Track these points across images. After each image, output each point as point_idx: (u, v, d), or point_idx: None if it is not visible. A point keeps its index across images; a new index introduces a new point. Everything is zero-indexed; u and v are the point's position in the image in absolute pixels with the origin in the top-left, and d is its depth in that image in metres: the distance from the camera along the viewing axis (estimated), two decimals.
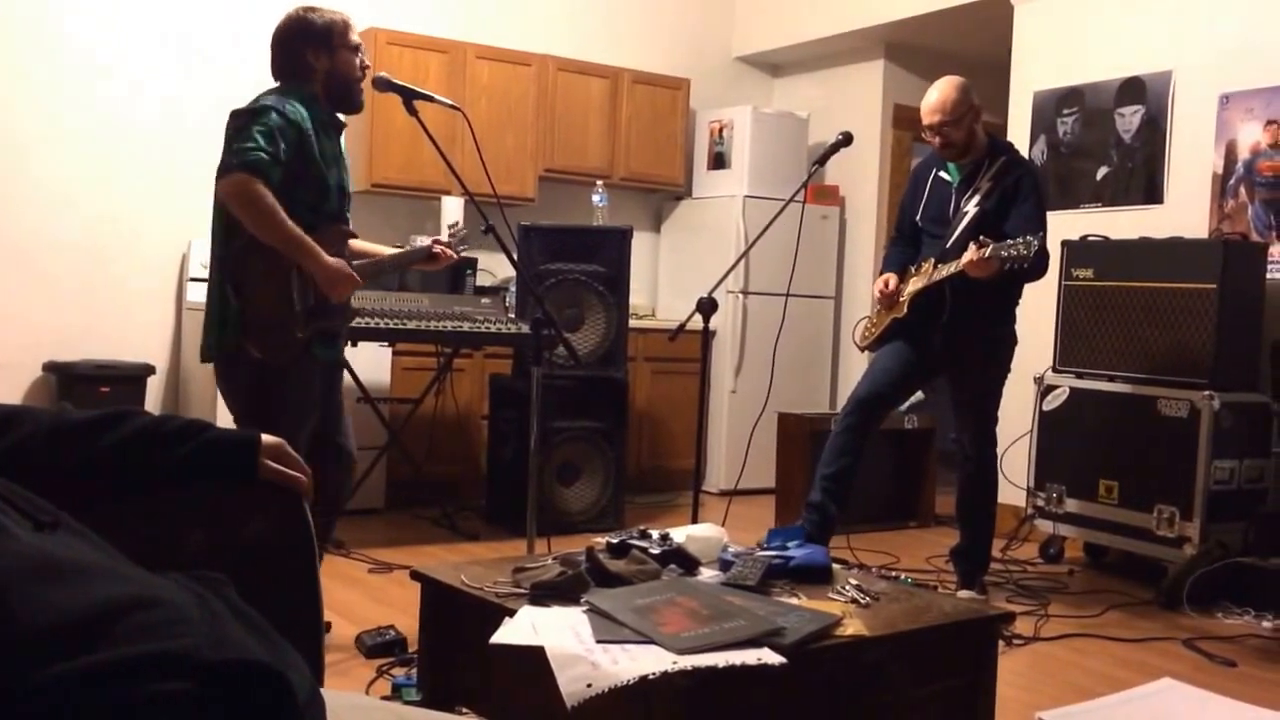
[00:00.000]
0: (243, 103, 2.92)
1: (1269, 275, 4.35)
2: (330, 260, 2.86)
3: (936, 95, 3.84)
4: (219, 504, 1.44)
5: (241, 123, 2.80)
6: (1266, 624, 3.80)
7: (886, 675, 2.09)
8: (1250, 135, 4.52)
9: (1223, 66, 4.61)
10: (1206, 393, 4.09)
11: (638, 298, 6.16)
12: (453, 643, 2.27)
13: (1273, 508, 4.05)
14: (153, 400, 5.09)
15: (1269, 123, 4.46)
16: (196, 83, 5.23)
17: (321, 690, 1.18)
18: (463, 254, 3.33)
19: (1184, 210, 4.71)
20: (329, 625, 3.16)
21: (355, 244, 3.20)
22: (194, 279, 5.03)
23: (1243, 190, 4.55)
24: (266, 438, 1.46)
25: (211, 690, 0.94)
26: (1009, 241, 3.54)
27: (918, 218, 4.02)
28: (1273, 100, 4.44)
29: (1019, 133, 5.31)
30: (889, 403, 4.10)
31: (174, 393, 5.26)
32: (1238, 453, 4.14)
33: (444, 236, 3.35)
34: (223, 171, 2.77)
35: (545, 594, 2.09)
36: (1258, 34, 4.50)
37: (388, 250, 3.30)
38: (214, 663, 0.95)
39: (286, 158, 2.78)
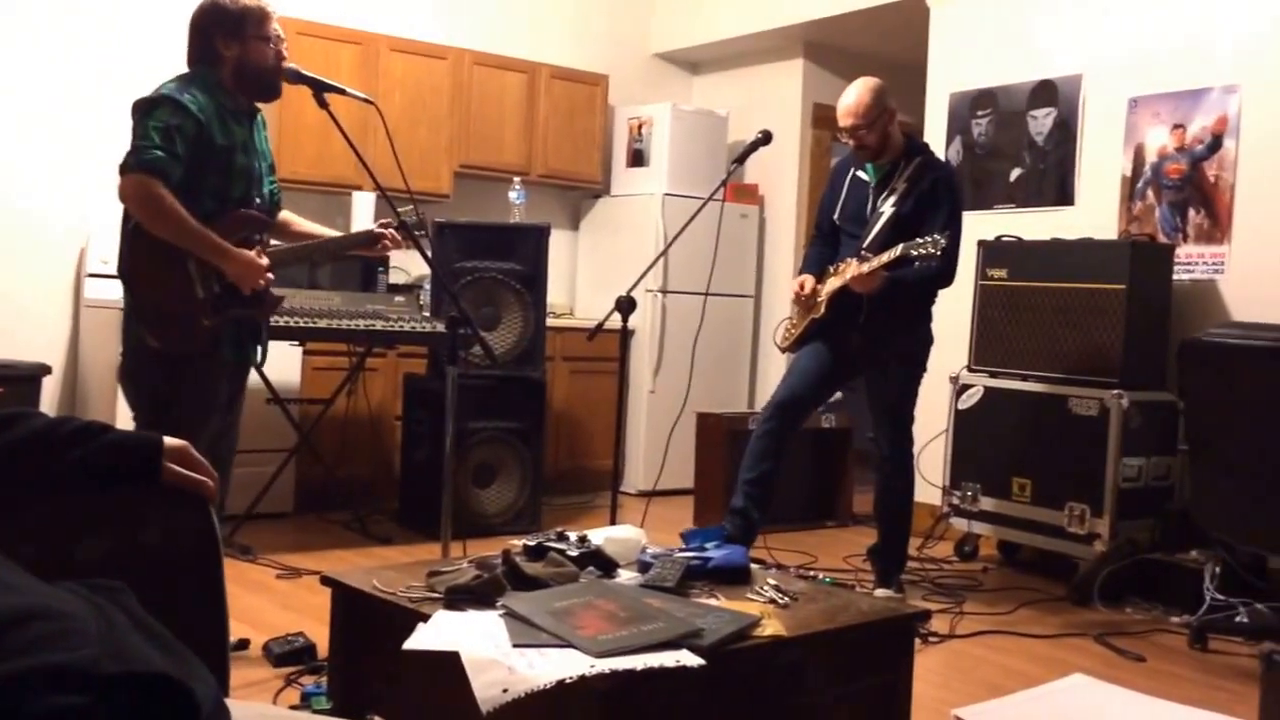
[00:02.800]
0: (147, 90, 2.82)
1: (1175, 276, 4.47)
2: (238, 252, 2.78)
3: (851, 98, 3.87)
4: (119, 509, 1.40)
5: (139, 118, 2.74)
6: (1174, 619, 3.90)
7: (805, 675, 2.08)
8: (1158, 138, 4.64)
9: (1131, 71, 4.73)
10: (1116, 391, 4.18)
11: (556, 296, 6.11)
12: (364, 649, 2.21)
13: (1179, 504, 4.16)
14: (48, 402, 4.87)
15: (1175, 126, 4.58)
16: (97, 70, 5.03)
17: (227, 701, 1.14)
18: (420, 238, 3.16)
19: (1094, 211, 4.81)
20: (246, 642, 3.06)
21: (296, 225, 3.12)
22: (92, 275, 4.84)
23: (1150, 192, 4.67)
24: (170, 440, 1.42)
25: (111, 704, 0.90)
26: (918, 240, 3.58)
27: (836, 217, 4.05)
28: (1179, 104, 4.57)
29: (935, 133, 5.38)
30: (809, 405, 4.12)
31: (71, 394, 5.05)
32: (1145, 450, 4.24)
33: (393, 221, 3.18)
34: (122, 171, 2.71)
35: (460, 598, 2.05)
36: (1165, 39, 4.63)
37: (329, 232, 3.20)
38: (113, 675, 0.92)
39: (185, 152, 2.71)
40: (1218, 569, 3.87)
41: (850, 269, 3.78)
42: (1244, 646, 3.59)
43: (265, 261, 2.84)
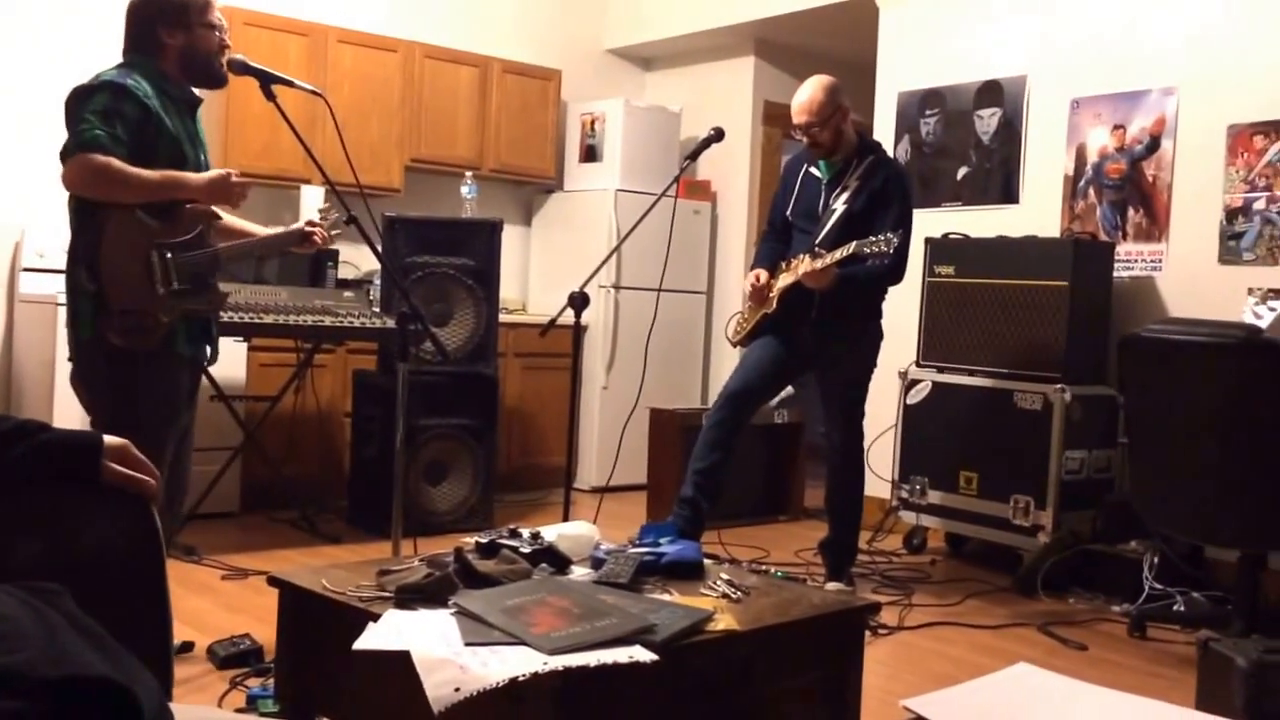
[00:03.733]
0: (83, 79, 2.76)
1: (1115, 273, 4.55)
2: (201, 176, 2.77)
3: (805, 96, 3.89)
4: (57, 509, 1.36)
5: (76, 105, 2.68)
6: (1115, 608, 3.98)
7: (757, 668, 2.09)
8: (1099, 139, 4.72)
9: (1074, 72, 4.81)
10: (1059, 386, 4.25)
11: (508, 292, 6.09)
12: (313, 651, 2.19)
13: (1119, 496, 4.24)
14: None
15: (1116, 127, 4.67)
16: (30, 59, 4.92)
17: (171, 705, 1.13)
18: (335, 237, 3.21)
19: (1038, 210, 4.89)
20: (190, 644, 3.02)
21: (227, 222, 3.07)
22: (27, 269, 4.73)
23: (1092, 191, 4.75)
24: (110, 438, 1.39)
25: (50, 708, 0.88)
26: (871, 239, 3.62)
27: (789, 213, 4.08)
28: (1119, 105, 4.65)
29: (884, 132, 5.43)
30: (760, 397, 4.14)
31: (5, 392, 4.93)
32: (1087, 443, 4.32)
33: (315, 219, 3.21)
34: (62, 158, 2.65)
35: (411, 597, 2.03)
36: (1106, 42, 4.71)
37: (260, 229, 3.17)
38: (52, 680, 0.90)
39: (126, 135, 2.66)
40: (1156, 559, 3.96)
41: (803, 265, 3.80)
42: (1181, 634, 3.67)
43: (231, 172, 2.83)
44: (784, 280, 3.93)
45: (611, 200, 6.06)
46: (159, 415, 2.73)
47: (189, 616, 3.30)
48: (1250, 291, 4.22)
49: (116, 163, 2.62)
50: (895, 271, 3.84)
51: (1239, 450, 3.32)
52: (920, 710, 2.92)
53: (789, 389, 4.78)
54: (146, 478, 1.39)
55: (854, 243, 3.65)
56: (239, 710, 2.55)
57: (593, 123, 6.32)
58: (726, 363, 6.19)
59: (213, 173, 2.82)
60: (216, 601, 3.61)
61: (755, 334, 4.08)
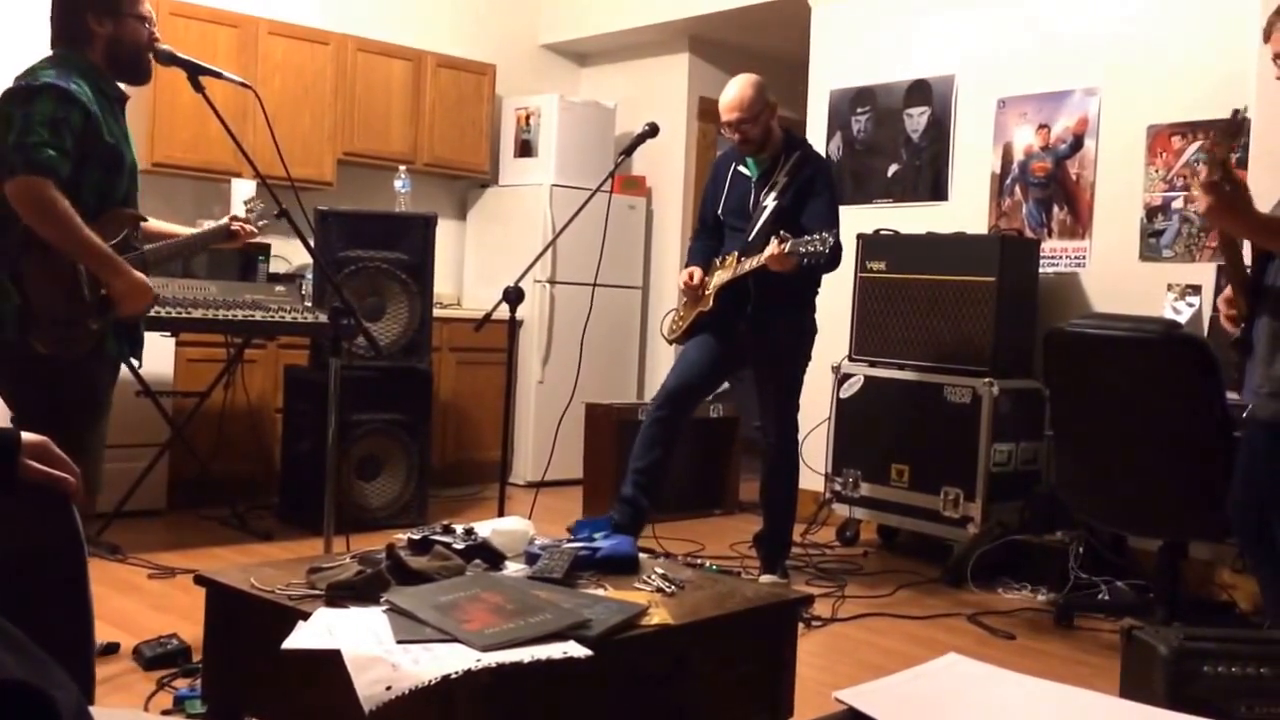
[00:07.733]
0: (11, 69, 2.68)
1: (1041, 269, 4.65)
2: (128, 270, 2.67)
3: (734, 93, 3.91)
4: None
5: (21, 108, 2.58)
6: (1041, 597, 4.07)
7: (691, 662, 2.10)
8: (1024, 138, 4.82)
9: (1000, 72, 4.90)
10: (987, 380, 4.33)
11: (443, 286, 6.05)
12: (241, 650, 2.15)
13: (1045, 488, 4.33)
14: None
15: (1040, 126, 4.77)
16: None
17: (95, 708, 1.10)
18: (263, 228, 3.16)
19: (966, 207, 4.98)
20: (116, 645, 2.96)
21: (150, 225, 3.00)
22: None
23: (1018, 189, 4.85)
24: (28, 436, 1.36)
25: None
26: (806, 238, 3.64)
27: (719, 211, 4.10)
28: (1044, 105, 4.75)
29: (816, 129, 5.49)
30: (699, 395, 4.17)
31: None
32: (1015, 436, 4.41)
33: (240, 213, 3.18)
34: (9, 171, 2.55)
35: (342, 594, 2.01)
36: (1031, 43, 4.81)
37: (183, 230, 3.10)
38: None
39: (73, 147, 2.58)
40: (1081, 549, 4.05)
41: (771, 246, 3.75)
42: (1106, 623, 3.76)
43: (151, 286, 2.72)
44: (720, 277, 3.95)
45: (546, 195, 6.04)
46: (83, 416, 2.66)
47: (114, 616, 3.23)
48: (1170, 287, 4.34)
49: (64, 204, 2.54)
50: (834, 261, 3.87)
51: (1159, 442, 3.41)
52: (851, 701, 2.94)
53: (724, 383, 4.81)
54: (66, 475, 1.37)
55: (790, 241, 3.66)
56: (166, 712, 2.51)
57: (527, 118, 6.30)
58: (662, 357, 6.21)
59: (137, 279, 2.69)
60: (143, 601, 3.54)
61: (691, 332, 4.10)
